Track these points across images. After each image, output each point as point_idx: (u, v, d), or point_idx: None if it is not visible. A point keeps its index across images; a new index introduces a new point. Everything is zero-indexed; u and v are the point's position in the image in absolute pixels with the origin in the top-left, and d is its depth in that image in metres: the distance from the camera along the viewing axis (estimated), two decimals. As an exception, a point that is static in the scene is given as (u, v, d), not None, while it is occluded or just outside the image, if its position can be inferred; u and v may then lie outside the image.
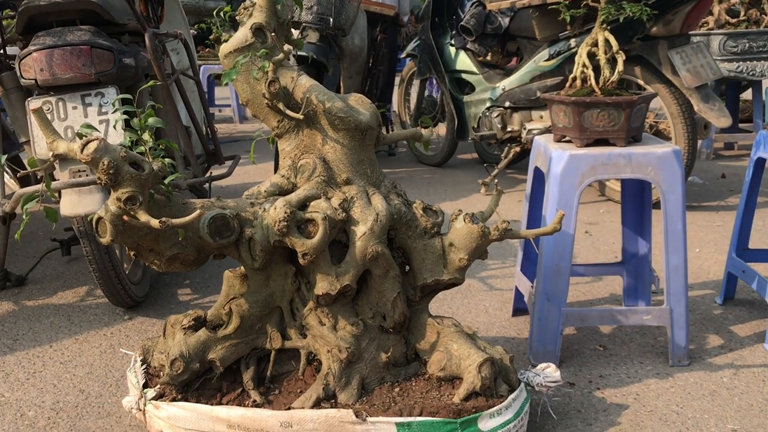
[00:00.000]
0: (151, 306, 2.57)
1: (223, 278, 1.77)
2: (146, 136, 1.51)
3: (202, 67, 6.65)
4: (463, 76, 4.34)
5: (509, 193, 4.11)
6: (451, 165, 4.97)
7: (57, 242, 2.87)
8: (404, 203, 1.72)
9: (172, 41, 2.94)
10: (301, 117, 1.62)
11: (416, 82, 4.81)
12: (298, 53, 3.85)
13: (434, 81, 4.68)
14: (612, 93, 2.02)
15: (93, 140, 1.41)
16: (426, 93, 4.90)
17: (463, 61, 4.32)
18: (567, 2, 2.18)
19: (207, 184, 2.56)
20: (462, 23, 4.16)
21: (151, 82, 1.67)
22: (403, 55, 4.89)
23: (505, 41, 4.26)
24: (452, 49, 4.39)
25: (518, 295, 2.40)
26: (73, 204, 2.13)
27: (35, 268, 2.99)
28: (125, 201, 1.42)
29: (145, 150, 1.52)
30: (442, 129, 4.78)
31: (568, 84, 2.12)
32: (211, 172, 2.55)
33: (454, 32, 4.38)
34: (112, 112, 2.13)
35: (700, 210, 3.62)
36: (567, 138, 2.08)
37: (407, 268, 1.75)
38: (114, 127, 2.12)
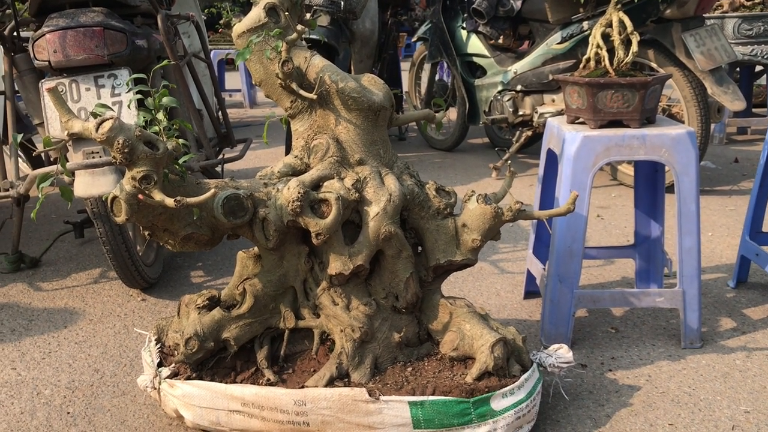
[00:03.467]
0: (164, 287, 2.59)
1: (237, 259, 1.78)
2: (160, 116, 1.52)
3: (212, 52, 6.66)
4: (475, 59, 4.31)
5: (520, 177, 4.10)
6: (462, 149, 4.96)
7: (70, 224, 2.89)
8: (417, 184, 1.72)
9: (183, 24, 2.94)
10: (315, 97, 1.62)
11: (427, 66, 4.79)
12: (310, 36, 3.84)
13: (445, 65, 4.66)
14: (626, 74, 2.01)
15: (108, 119, 1.41)
16: (437, 77, 4.88)
17: (475, 45, 4.29)
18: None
19: (219, 167, 2.57)
20: (474, 6, 4.13)
21: (165, 62, 1.67)
22: (413, 39, 4.86)
23: (517, 24, 4.22)
24: (463, 33, 4.36)
25: (530, 278, 2.40)
26: (87, 185, 2.14)
27: (49, 250, 3.01)
28: (140, 180, 1.42)
29: (160, 129, 1.52)
30: (452, 113, 4.76)
31: (581, 65, 2.10)
32: (223, 155, 2.55)
33: (465, 15, 4.35)
34: (126, 92, 2.13)
35: (712, 194, 3.60)
36: (580, 120, 2.07)
37: (420, 248, 1.75)
38: (129, 106, 2.13)
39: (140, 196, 1.42)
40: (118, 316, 2.36)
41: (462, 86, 4.34)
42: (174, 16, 2.56)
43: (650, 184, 2.28)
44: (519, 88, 3.94)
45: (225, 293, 1.77)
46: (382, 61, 4.94)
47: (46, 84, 2.19)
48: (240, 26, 1.68)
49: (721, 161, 4.34)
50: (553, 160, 2.21)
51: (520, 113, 3.97)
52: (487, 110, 4.20)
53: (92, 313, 2.39)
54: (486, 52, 4.22)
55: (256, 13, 1.67)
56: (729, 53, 3.30)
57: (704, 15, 3.40)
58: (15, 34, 2.43)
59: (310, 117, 1.71)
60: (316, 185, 1.63)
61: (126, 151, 1.40)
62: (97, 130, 1.41)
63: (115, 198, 1.48)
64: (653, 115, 2.06)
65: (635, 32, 2.02)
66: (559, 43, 3.68)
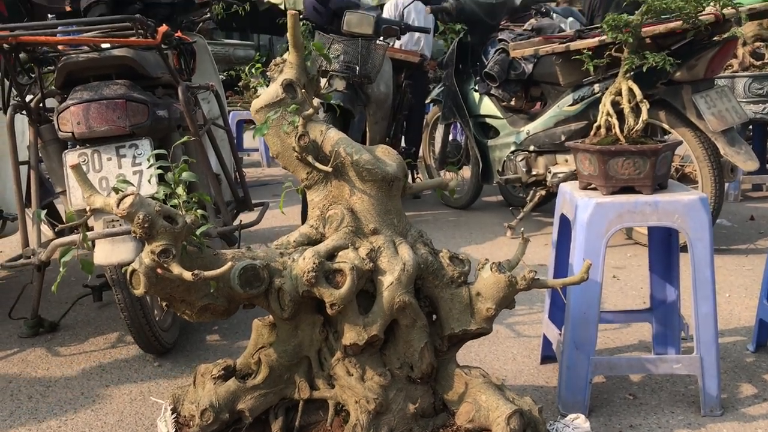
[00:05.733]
0: (180, 352, 2.60)
1: (252, 327, 1.80)
2: (180, 190, 1.56)
3: (231, 113, 6.79)
4: (488, 120, 4.38)
5: (535, 236, 4.11)
6: (476, 207, 4.99)
7: (89, 288, 2.92)
8: (431, 252, 1.73)
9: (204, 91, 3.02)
10: (330, 169, 1.66)
11: (440, 127, 4.87)
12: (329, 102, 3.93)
13: (458, 125, 4.73)
14: (637, 141, 2.04)
15: (129, 195, 1.45)
16: (450, 137, 4.95)
17: (487, 106, 4.36)
18: (590, 52, 2.21)
19: (237, 231, 2.60)
20: (486, 70, 4.22)
21: (185, 138, 1.72)
22: (427, 101, 4.95)
23: (529, 86, 4.30)
24: (476, 95, 4.44)
25: (546, 343, 2.39)
26: (107, 253, 2.18)
27: (68, 314, 3.04)
28: (159, 254, 1.46)
29: (179, 203, 1.56)
30: (466, 172, 4.81)
31: (592, 132, 2.14)
32: (241, 220, 2.59)
33: (477, 78, 4.44)
34: (148, 167, 2.19)
35: (729, 253, 3.58)
36: (593, 185, 2.10)
37: (434, 317, 1.76)
38: (149, 181, 2.18)
39: (159, 270, 1.45)
40: (135, 382, 2.37)
41: (475, 146, 4.40)
42: (194, 87, 2.63)
43: (664, 247, 2.29)
44: (532, 148, 3.99)
45: (240, 362, 1.78)
46: (396, 122, 5.02)
47: (69, 158, 2.25)
48: (258, 102, 1.73)
49: (736, 219, 4.32)
50: (566, 224, 2.23)
51: (534, 173, 4.01)
52: (500, 170, 4.24)
53: (109, 378, 2.40)
54: (498, 114, 4.28)
55: (274, 89, 1.72)
56: (740, 114, 3.33)
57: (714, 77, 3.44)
58: (41, 105, 2.51)
59: (325, 187, 1.74)
60: (331, 255, 1.65)
61: (146, 226, 1.44)
62: (118, 206, 1.45)
63: (134, 271, 1.51)
64: (665, 180, 2.08)
65: (644, 100, 2.05)
66: (570, 105, 3.74)
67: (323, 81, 4.27)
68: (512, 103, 4.33)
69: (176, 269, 1.46)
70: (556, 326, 2.24)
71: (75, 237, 2.25)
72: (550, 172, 3.89)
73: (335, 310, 1.59)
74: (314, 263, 1.58)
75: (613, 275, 3.30)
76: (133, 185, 1.59)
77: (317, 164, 1.67)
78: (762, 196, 5.00)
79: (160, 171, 1.68)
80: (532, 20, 4.54)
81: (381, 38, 4.34)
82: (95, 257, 2.18)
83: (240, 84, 6.97)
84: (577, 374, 2.00)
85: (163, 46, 2.36)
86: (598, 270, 1.96)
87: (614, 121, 2.07)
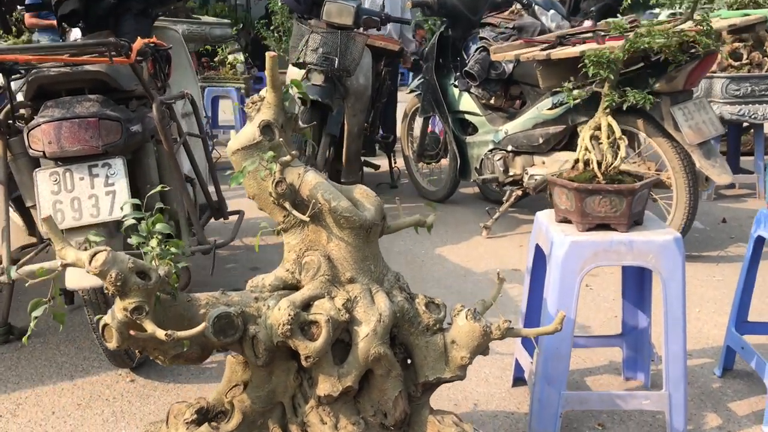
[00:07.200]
0: (152, 367, 2.58)
1: (226, 363, 1.79)
2: (153, 243, 1.53)
3: (206, 89, 6.63)
4: (467, 116, 4.36)
5: (510, 236, 4.13)
6: (454, 201, 4.98)
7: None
8: (407, 299, 1.74)
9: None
10: (308, 219, 1.64)
11: (419, 120, 4.84)
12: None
13: (437, 118, 4.70)
14: (614, 178, 2.04)
15: (101, 251, 1.43)
16: (429, 129, 4.92)
17: (467, 103, 4.34)
18: (571, 87, 2.20)
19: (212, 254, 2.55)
20: (466, 69, 4.18)
21: (159, 188, 1.69)
22: (406, 92, 4.91)
23: (509, 86, 4.27)
24: (456, 90, 4.41)
25: (518, 366, 2.41)
26: (79, 277, 2.14)
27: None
28: (132, 311, 1.44)
29: (153, 256, 1.54)
30: (445, 163, 4.80)
31: (570, 166, 2.14)
32: (215, 240, 2.55)
33: (457, 75, 4.40)
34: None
35: (700, 261, 3.63)
36: (568, 219, 2.10)
37: (408, 361, 1.76)
38: (121, 208, 2.13)
39: (132, 332, 1.44)
40: (107, 399, 2.36)
41: (454, 142, 4.38)
42: (169, 100, 2.57)
43: (637, 276, 2.31)
44: (510, 148, 3.98)
45: (214, 398, 1.78)
46: (375, 109, 4.98)
47: (41, 180, 2.20)
48: (234, 143, 1.70)
49: (709, 220, 4.38)
50: (541, 254, 2.24)
51: (511, 173, 4.01)
52: (478, 167, 4.24)
53: (81, 396, 2.39)
54: (478, 111, 4.26)
55: (251, 131, 1.69)
56: (716, 127, 3.35)
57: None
58: (10, 119, 2.43)
59: (302, 231, 1.73)
60: (307, 305, 1.64)
61: (118, 284, 1.42)
62: (90, 262, 1.42)
63: (106, 325, 1.49)
64: (641, 217, 2.09)
65: (623, 137, 2.06)
66: (549, 109, 3.73)
67: (301, 73, 4.20)
68: (492, 101, 4.31)
69: (149, 327, 1.44)
70: (528, 352, 2.27)
71: (48, 264, 2.21)
72: (527, 173, 3.90)
73: (310, 363, 1.59)
74: (289, 315, 1.57)
75: (586, 284, 3.33)
76: (104, 237, 1.56)
77: (295, 212, 1.65)
78: (735, 194, 5.06)
79: (136, 201, 1.65)
80: (513, 9, 4.50)
81: (360, 29, 4.27)
82: (67, 281, 2.15)
83: (216, 60, 6.83)
84: (548, 408, 2.04)
85: (138, 58, 2.30)
86: (572, 309, 1.98)
87: (592, 156, 2.07)
